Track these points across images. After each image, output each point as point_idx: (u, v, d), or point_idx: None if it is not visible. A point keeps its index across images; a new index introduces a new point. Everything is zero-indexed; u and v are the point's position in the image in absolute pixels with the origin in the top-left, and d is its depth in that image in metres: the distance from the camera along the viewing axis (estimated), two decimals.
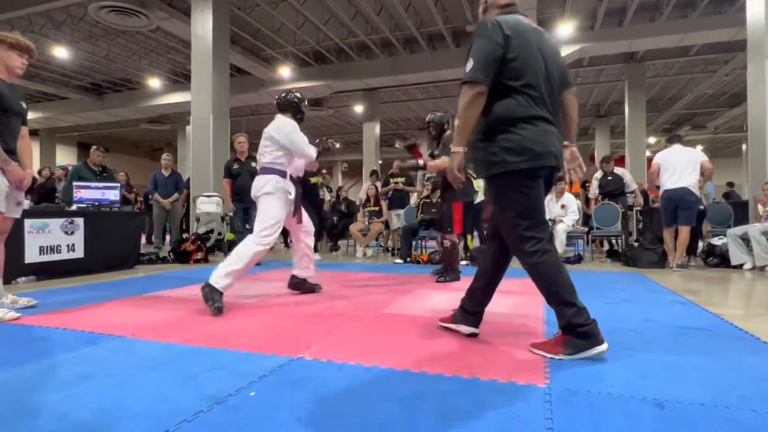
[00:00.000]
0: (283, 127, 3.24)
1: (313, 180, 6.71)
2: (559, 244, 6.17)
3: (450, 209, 4.18)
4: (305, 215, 3.47)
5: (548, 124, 1.96)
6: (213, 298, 2.79)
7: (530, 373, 1.73)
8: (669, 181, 5.27)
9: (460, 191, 3.96)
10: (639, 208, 7.05)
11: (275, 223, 3.08)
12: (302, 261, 3.55)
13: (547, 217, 6.40)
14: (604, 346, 1.88)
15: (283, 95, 3.48)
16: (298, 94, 3.50)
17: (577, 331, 1.88)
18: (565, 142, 2.11)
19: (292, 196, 3.24)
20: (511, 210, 1.97)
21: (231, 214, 6.22)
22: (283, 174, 3.20)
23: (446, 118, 4.30)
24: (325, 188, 7.25)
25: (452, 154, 2.01)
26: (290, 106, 3.42)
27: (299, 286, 3.57)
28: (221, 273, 2.86)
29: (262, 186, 3.17)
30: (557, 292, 1.92)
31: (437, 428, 1.29)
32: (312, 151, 3.28)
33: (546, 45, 2.02)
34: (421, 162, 4.14)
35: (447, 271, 4.29)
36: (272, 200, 3.13)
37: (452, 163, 2.02)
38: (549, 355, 1.92)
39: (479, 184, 5.71)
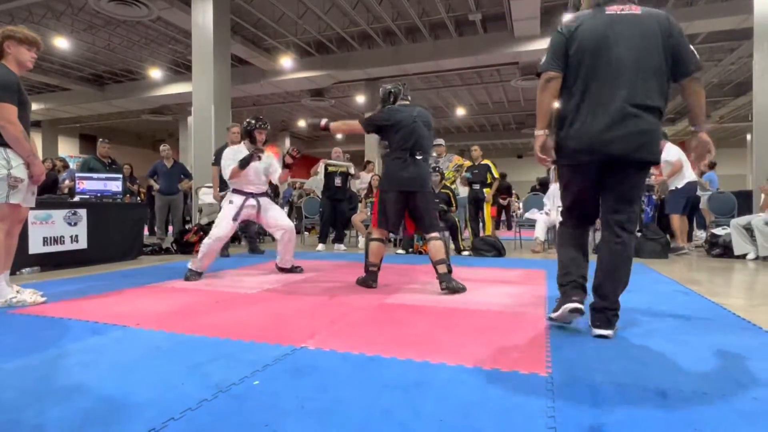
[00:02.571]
0: (224, 153, 4.10)
1: (330, 169, 6.68)
2: (539, 230, 6.37)
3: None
4: (273, 216, 4.15)
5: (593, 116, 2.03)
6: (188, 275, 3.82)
7: (532, 363, 1.74)
8: (689, 174, 5.75)
9: (384, 179, 3.44)
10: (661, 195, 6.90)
11: (218, 221, 3.96)
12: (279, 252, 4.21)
13: (555, 205, 6.43)
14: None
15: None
16: (250, 120, 4.13)
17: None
18: (691, 128, 2.15)
19: (233, 203, 3.99)
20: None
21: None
22: (228, 187, 4.18)
23: (389, 88, 3.52)
24: (342, 176, 6.75)
25: (535, 138, 2.15)
26: (243, 132, 4.19)
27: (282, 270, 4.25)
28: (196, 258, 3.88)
29: None
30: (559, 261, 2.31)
31: (439, 416, 1.30)
32: (225, 172, 4.01)
33: (625, 27, 2.01)
34: (323, 122, 3.57)
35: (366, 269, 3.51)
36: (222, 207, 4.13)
37: (535, 146, 2.15)
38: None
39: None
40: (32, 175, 2.76)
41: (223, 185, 5.77)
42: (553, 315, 2.19)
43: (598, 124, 2.00)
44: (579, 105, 2.05)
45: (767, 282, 3.83)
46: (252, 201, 4.03)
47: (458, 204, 6.57)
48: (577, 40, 2.04)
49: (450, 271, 3.26)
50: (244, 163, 3.90)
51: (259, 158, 3.99)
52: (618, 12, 2.03)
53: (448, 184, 6.63)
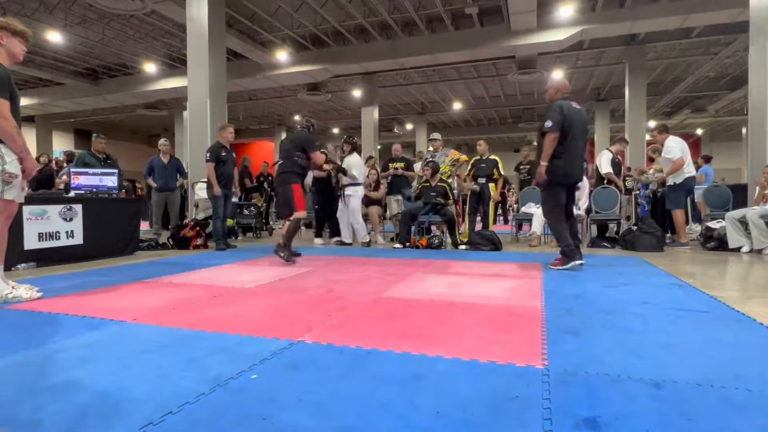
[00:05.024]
0: None
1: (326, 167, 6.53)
2: (536, 225, 6.48)
3: (290, 192, 4.69)
4: None
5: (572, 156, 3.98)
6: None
7: (528, 355, 1.75)
8: (689, 170, 5.84)
9: (295, 174, 4.76)
10: (656, 189, 6.86)
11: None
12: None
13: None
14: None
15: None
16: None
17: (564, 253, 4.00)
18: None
19: None
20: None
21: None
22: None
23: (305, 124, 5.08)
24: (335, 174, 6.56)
25: (540, 166, 3.98)
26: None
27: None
28: None
29: None
30: (559, 236, 4.07)
31: (436, 409, 1.31)
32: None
33: (579, 116, 4.01)
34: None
35: (282, 247, 4.65)
36: None
37: (542, 171, 3.96)
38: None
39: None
40: (24, 170, 2.74)
41: (219, 181, 5.79)
42: (564, 267, 3.94)
43: (572, 163, 3.96)
44: (565, 151, 3.92)
45: (762, 275, 3.86)
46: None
47: (455, 198, 6.56)
48: (566, 118, 3.89)
49: (285, 245, 4.58)
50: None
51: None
52: (574, 106, 3.99)
53: (445, 178, 6.62)
